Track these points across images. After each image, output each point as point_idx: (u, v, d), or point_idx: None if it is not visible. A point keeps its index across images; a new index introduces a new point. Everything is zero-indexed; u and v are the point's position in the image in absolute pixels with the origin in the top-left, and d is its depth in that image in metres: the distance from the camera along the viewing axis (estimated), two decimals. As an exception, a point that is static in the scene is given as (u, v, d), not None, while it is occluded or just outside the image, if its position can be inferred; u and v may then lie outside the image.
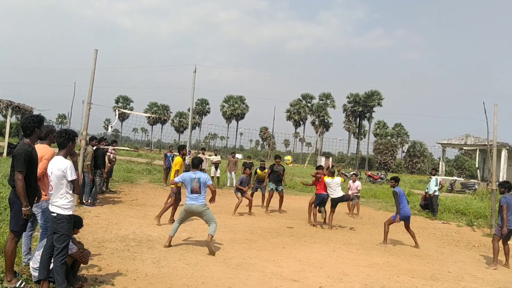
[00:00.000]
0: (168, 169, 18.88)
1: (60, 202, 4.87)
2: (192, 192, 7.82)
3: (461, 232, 12.78)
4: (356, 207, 14.92)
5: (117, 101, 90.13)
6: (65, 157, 5.02)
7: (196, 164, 8.03)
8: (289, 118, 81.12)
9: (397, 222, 10.03)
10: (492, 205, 12.76)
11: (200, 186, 7.82)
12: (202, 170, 8.32)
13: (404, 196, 10.16)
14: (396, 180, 10.36)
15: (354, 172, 15.75)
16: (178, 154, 11.65)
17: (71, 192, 4.94)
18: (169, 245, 7.85)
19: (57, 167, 4.88)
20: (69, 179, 4.87)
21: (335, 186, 11.62)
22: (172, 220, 10.02)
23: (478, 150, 28.50)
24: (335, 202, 11.68)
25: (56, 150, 5.26)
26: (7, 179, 5.32)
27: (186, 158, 20.56)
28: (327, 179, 11.71)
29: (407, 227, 10.21)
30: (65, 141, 5.01)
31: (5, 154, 23.85)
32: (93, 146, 12.08)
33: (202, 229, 9.53)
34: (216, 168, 19.75)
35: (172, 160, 19.65)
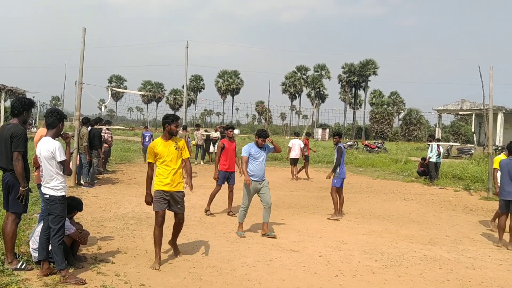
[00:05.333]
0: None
1: (52, 183, 4.81)
2: None
3: (458, 197, 12.88)
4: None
5: (110, 81, 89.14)
6: (54, 138, 4.91)
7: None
8: (284, 91, 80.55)
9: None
10: (488, 168, 12.82)
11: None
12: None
13: (344, 156, 9.39)
14: (339, 135, 9.81)
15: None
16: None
17: (61, 173, 4.87)
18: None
19: (46, 148, 4.79)
20: (58, 160, 4.79)
21: None
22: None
23: (474, 114, 28.37)
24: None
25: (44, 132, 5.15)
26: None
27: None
28: None
29: (340, 192, 9.31)
30: (55, 120, 4.91)
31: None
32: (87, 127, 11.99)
33: (201, 205, 9.55)
34: (214, 144, 19.80)
35: (150, 139, 17.74)
